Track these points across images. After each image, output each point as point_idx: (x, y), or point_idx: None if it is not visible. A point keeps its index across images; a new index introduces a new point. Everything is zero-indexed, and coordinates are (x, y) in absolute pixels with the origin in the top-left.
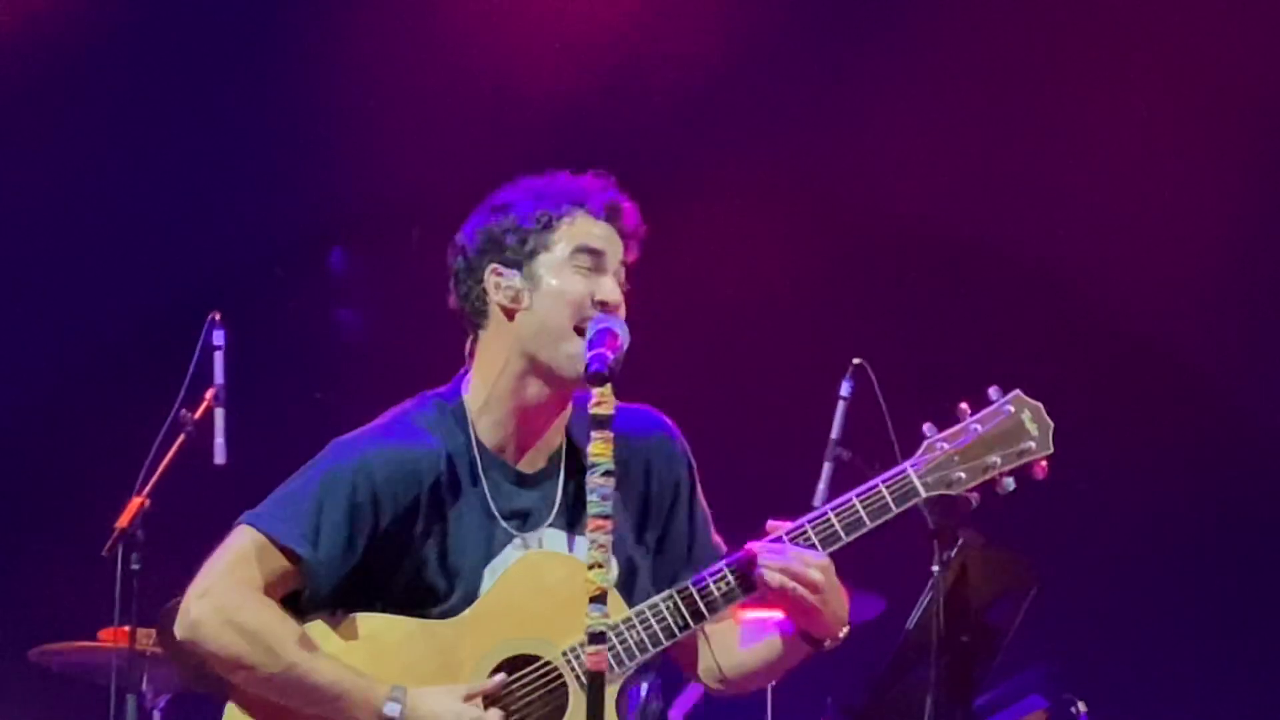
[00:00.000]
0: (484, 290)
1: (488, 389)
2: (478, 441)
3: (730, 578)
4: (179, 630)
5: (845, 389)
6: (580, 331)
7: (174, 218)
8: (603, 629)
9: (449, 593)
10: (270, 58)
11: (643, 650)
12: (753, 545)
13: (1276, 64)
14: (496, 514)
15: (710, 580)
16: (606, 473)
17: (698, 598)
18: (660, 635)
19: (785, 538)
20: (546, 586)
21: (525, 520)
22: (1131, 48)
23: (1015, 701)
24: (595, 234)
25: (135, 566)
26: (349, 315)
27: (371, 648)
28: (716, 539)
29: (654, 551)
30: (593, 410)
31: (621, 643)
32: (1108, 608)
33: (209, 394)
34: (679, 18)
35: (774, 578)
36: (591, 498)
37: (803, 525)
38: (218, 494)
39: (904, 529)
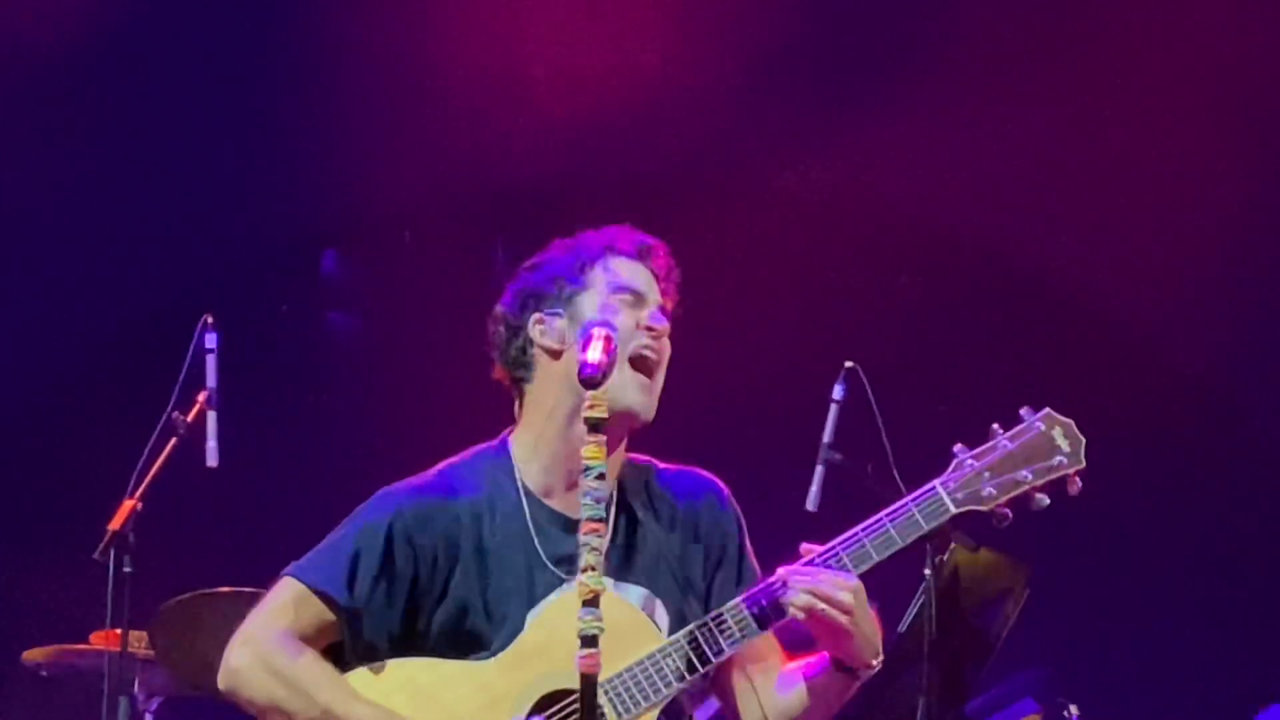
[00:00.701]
0: (529, 340)
1: (536, 434)
2: (524, 488)
3: (745, 611)
4: (221, 679)
5: (838, 392)
6: (630, 362)
7: (167, 221)
8: (595, 632)
9: (492, 638)
10: (263, 62)
11: (666, 684)
12: (782, 570)
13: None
14: (545, 559)
15: (728, 614)
16: (599, 476)
17: (714, 630)
18: (683, 669)
19: (817, 560)
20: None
21: (573, 565)
22: (1130, 52)
23: (1008, 705)
24: (630, 271)
25: (127, 569)
26: (341, 318)
27: (411, 691)
28: None
29: (703, 604)
30: (586, 414)
31: (646, 677)
32: (1100, 611)
33: (201, 397)
34: (669, 23)
35: (803, 599)
36: (585, 501)
37: (834, 548)
38: (210, 497)
39: None
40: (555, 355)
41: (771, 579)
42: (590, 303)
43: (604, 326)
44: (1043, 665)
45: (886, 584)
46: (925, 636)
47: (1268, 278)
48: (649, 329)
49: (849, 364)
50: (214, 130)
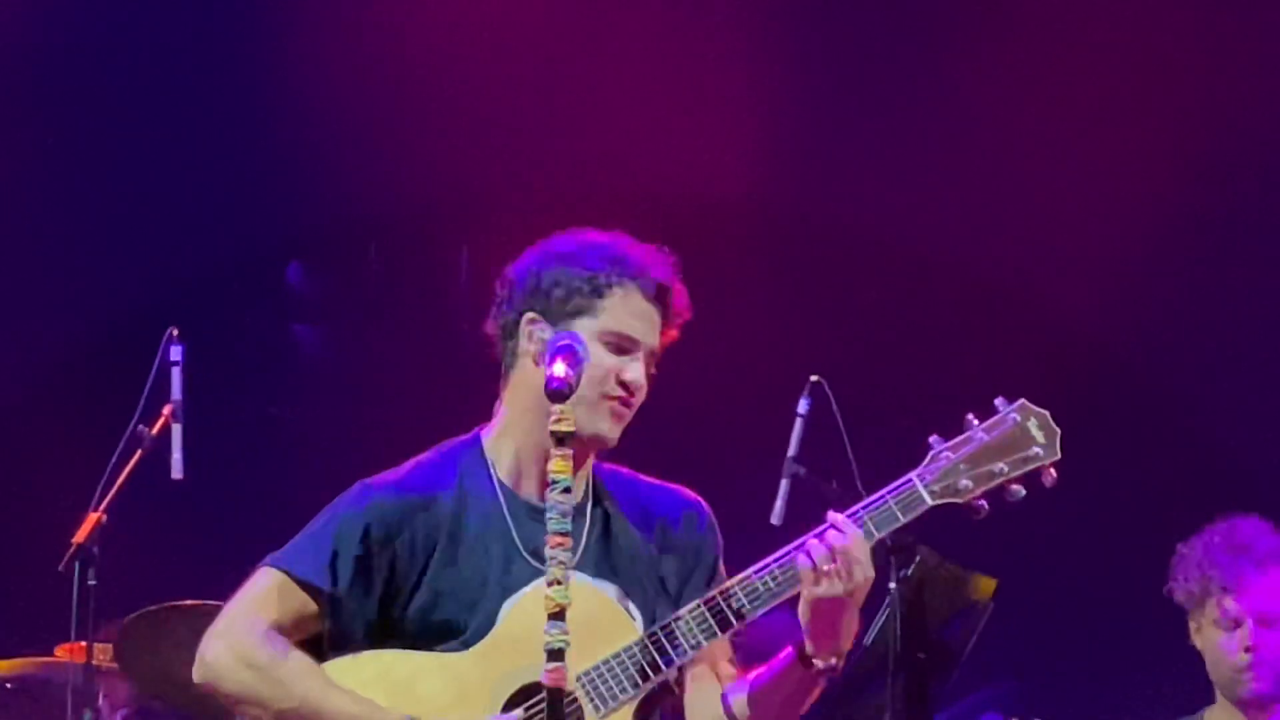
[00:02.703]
0: (518, 334)
1: (512, 426)
2: (499, 480)
3: (706, 612)
4: (196, 672)
5: (803, 406)
6: (605, 397)
7: (132, 233)
8: (560, 646)
9: (468, 629)
10: (229, 74)
11: (644, 678)
12: (756, 567)
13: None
14: (522, 549)
15: (689, 612)
16: (565, 490)
17: (690, 625)
18: (658, 663)
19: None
20: None
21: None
22: (1075, 61)
23: (973, 718)
24: (638, 316)
25: (92, 582)
26: (306, 331)
27: (387, 683)
28: None
29: (673, 610)
30: (552, 427)
31: (624, 669)
32: (1065, 624)
33: (166, 409)
34: (645, 35)
35: (843, 540)
36: (550, 515)
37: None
38: (175, 509)
39: None
40: (536, 362)
41: (743, 576)
42: (584, 331)
43: (571, 339)
44: (1008, 679)
45: None
46: (890, 650)
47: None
48: (623, 384)
49: (814, 378)
50: (179, 142)
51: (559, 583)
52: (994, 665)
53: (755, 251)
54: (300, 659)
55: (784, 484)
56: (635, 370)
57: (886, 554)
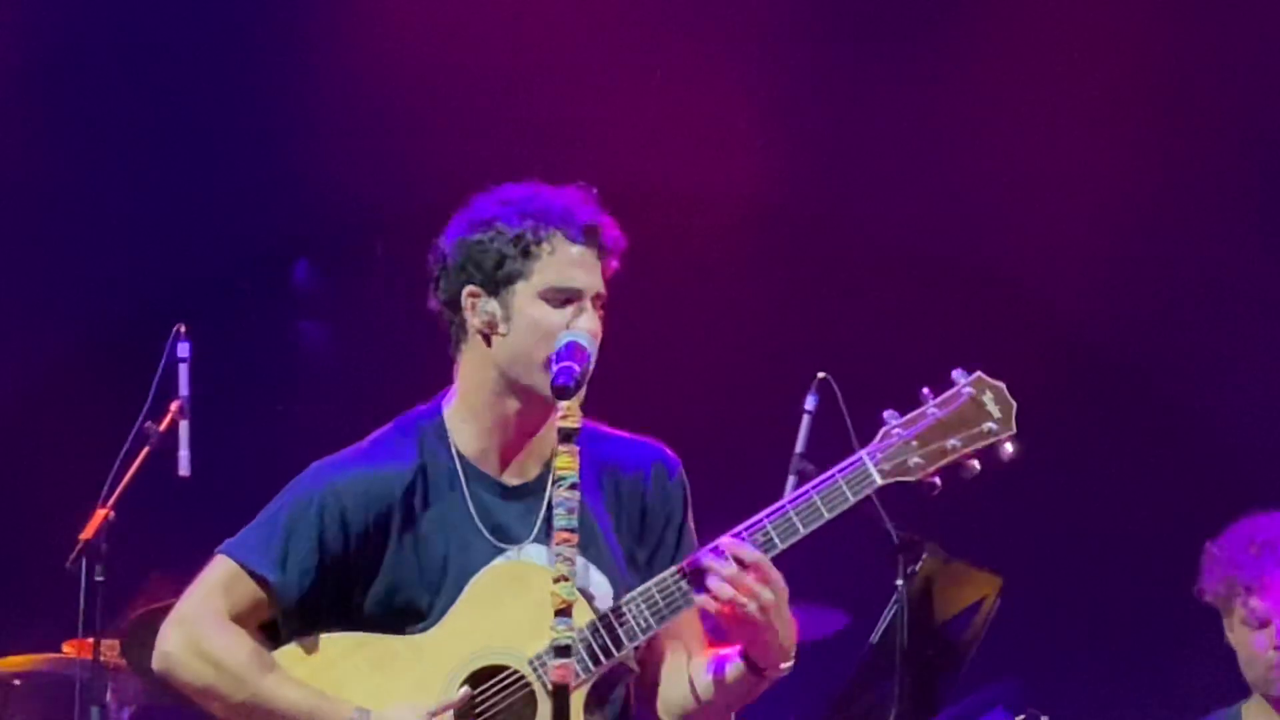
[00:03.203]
0: (461, 310)
1: (468, 401)
2: (459, 455)
3: (656, 595)
4: (155, 662)
5: (809, 403)
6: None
7: (139, 230)
8: (568, 642)
9: (429, 609)
10: (235, 72)
11: (596, 662)
12: (701, 553)
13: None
14: (481, 527)
15: (649, 592)
16: (572, 486)
17: (630, 614)
18: (605, 648)
19: (744, 534)
20: (512, 596)
21: (508, 534)
22: (1077, 53)
23: (979, 715)
24: (573, 264)
25: (99, 578)
26: (313, 328)
27: (343, 669)
28: None
29: (640, 577)
30: (559, 424)
31: (574, 654)
32: (1072, 621)
33: (174, 406)
34: (658, 31)
35: (723, 590)
36: (558, 511)
37: (761, 521)
38: (182, 506)
39: (867, 543)
40: (486, 339)
41: (697, 555)
42: (525, 297)
43: (574, 335)
44: (1015, 676)
45: (858, 595)
46: (897, 647)
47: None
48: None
49: (821, 375)
50: (186, 139)
51: (565, 579)
52: (1000, 662)
53: (761, 248)
54: (252, 650)
55: (791, 480)
56: (586, 320)
57: (893, 551)
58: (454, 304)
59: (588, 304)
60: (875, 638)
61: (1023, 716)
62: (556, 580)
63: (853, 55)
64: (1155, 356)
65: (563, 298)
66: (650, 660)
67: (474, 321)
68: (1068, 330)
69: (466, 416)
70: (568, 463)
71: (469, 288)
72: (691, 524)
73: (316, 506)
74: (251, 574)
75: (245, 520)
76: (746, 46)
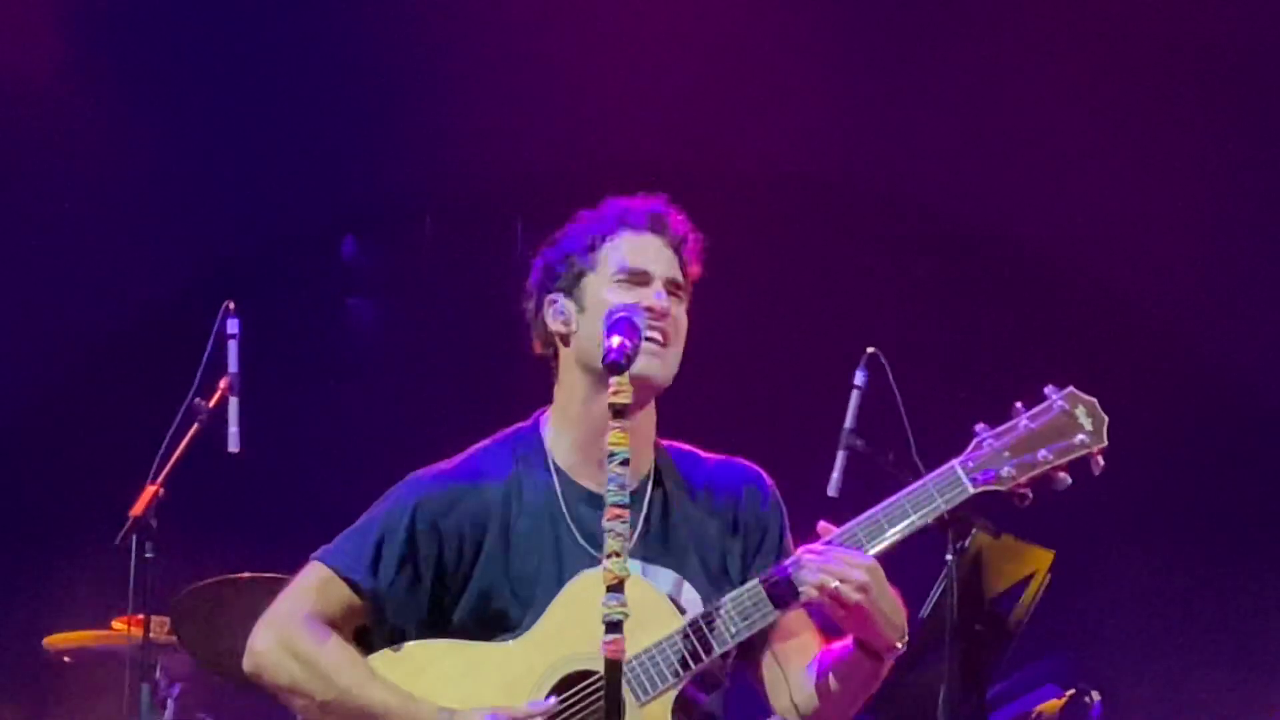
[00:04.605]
0: (546, 320)
1: (563, 412)
2: (555, 466)
3: (762, 591)
4: (245, 662)
5: (859, 378)
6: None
7: (189, 207)
8: (619, 618)
9: (521, 620)
10: (284, 48)
11: (685, 667)
12: (798, 551)
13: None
14: (578, 537)
15: (746, 594)
16: (624, 462)
17: (728, 615)
18: (675, 664)
19: (835, 541)
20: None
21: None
22: (1150, 38)
23: (1029, 691)
24: (637, 249)
25: (149, 555)
26: (361, 304)
27: (432, 675)
28: None
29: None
30: (610, 400)
31: (664, 658)
32: (1122, 597)
33: (223, 383)
34: (691, 9)
35: (817, 578)
36: (609, 488)
37: (851, 528)
38: (231, 482)
39: None
40: (565, 339)
41: (786, 561)
42: (596, 286)
43: (626, 310)
44: (1064, 651)
45: (908, 570)
46: (947, 622)
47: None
48: (649, 309)
49: (870, 349)
50: (236, 117)
51: (617, 555)
52: (1050, 637)
53: (813, 224)
54: (343, 650)
55: (841, 456)
56: (653, 294)
57: (943, 527)
58: (541, 320)
59: (659, 284)
60: (925, 613)
61: (1072, 692)
62: (608, 556)
63: (913, 29)
64: (1206, 331)
65: (631, 281)
66: (757, 668)
67: (554, 326)
68: (1117, 306)
69: (562, 428)
70: (619, 438)
71: (549, 297)
72: (790, 542)
73: (409, 516)
74: (344, 579)
75: (294, 495)
76: (802, 20)
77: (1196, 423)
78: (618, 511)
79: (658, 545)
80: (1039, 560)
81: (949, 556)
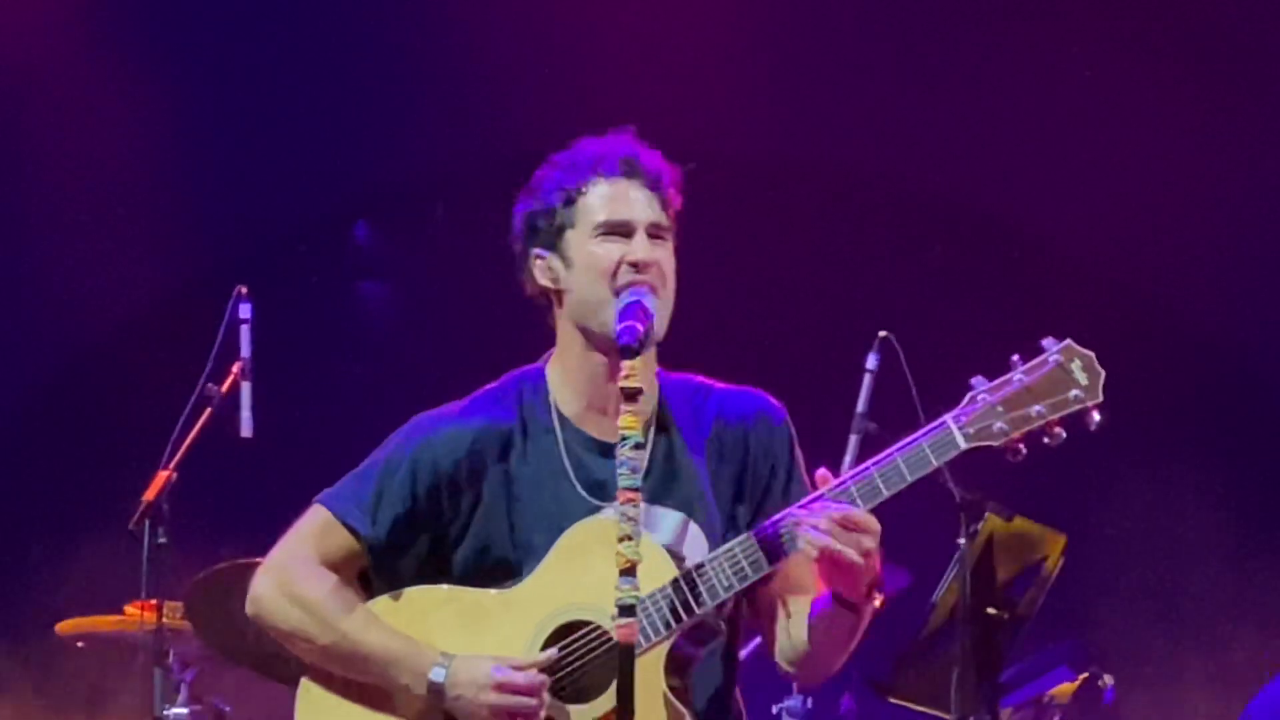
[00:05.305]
0: (535, 277)
1: (563, 362)
2: (559, 413)
3: (755, 546)
4: (248, 606)
5: (871, 362)
6: (620, 294)
7: (201, 192)
8: (632, 601)
9: (520, 565)
10: (297, 34)
11: (677, 619)
12: (794, 508)
13: None
14: (577, 484)
15: (738, 548)
16: (636, 446)
17: (721, 569)
18: (668, 616)
19: (827, 494)
20: (601, 552)
21: (606, 491)
22: (1152, 21)
23: (1042, 674)
24: (615, 199)
25: (162, 540)
26: (374, 289)
27: (432, 621)
28: None
29: (747, 528)
30: (621, 383)
31: (658, 610)
32: (1135, 581)
33: (235, 367)
34: (702, 5)
35: (820, 539)
36: (621, 471)
37: (844, 482)
38: (244, 467)
39: (930, 502)
40: (557, 296)
41: (778, 515)
42: (579, 240)
43: (638, 295)
44: (1078, 635)
45: (921, 553)
46: (960, 606)
47: None
48: (633, 264)
49: (883, 334)
50: (248, 102)
51: (629, 539)
52: (1063, 621)
53: (824, 208)
54: (343, 595)
55: (853, 439)
56: (638, 246)
57: (955, 510)
58: (530, 273)
59: (641, 234)
60: (938, 596)
61: (1086, 675)
62: (621, 540)
63: (926, 15)
64: (1219, 314)
65: (612, 232)
66: (761, 615)
67: (544, 283)
68: (1125, 289)
69: (564, 377)
70: (631, 422)
71: (534, 251)
72: (802, 469)
73: (410, 460)
74: (343, 524)
75: (307, 480)
76: (817, 5)
77: (1211, 407)
78: (630, 496)
79: (663, 487)
80: (1052, 544)
81: (961, 540)
